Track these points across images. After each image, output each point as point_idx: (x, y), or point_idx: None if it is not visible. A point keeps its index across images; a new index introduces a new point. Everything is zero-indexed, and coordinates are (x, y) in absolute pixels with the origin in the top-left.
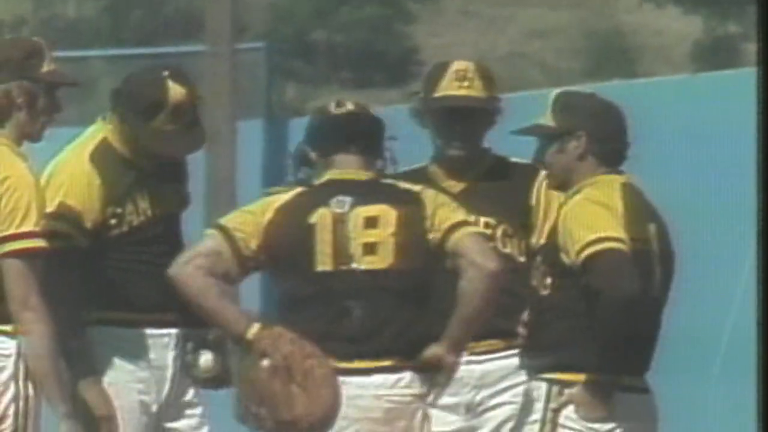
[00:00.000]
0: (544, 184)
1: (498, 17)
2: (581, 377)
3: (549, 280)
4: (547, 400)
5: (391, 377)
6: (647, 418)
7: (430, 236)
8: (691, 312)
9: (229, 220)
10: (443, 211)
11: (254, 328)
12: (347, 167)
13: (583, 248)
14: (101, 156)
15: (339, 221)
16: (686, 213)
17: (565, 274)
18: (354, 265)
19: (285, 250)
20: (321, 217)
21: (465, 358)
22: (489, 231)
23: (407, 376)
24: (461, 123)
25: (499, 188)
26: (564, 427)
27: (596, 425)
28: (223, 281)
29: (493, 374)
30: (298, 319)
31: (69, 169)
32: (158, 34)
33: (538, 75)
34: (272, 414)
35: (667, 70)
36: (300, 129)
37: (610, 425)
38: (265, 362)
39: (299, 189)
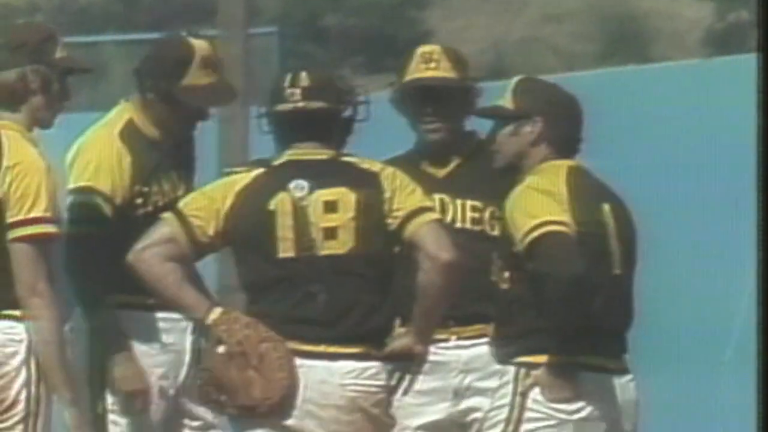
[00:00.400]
0: None
1: (512, 2)
2: (544, 359)
3: (506, 274)
4: (515, 383)
5: (359, 365)
6: (622, 399)
7: (388, 221)
8: (700, 305)
9: (187, 204)
10: (400, 195)
11: (214, 314)
12: (305, 147)
13: (525, 235)
14: (129, 135)
15: (299, 206)
16: (694, 199)
17: (519, 265)
18: (315, 251)
19: (246, 237)
20: (281, 203)
21: (453, 342)
22: (477, 214)
23: (375, 366)
24: (433, 105)
25: (485, 170)
26: (531, 410)
27: (562, 406)
28: (180, 264)
29: (481, 359)
30: (261, 303)
31: (99, 146)
32: (170, 19)
33: (552, 59)
34: (232, 399)
35: (680, 55)
36: None
37: (576, 405)
38: (221, 349)
39: (258, 171)
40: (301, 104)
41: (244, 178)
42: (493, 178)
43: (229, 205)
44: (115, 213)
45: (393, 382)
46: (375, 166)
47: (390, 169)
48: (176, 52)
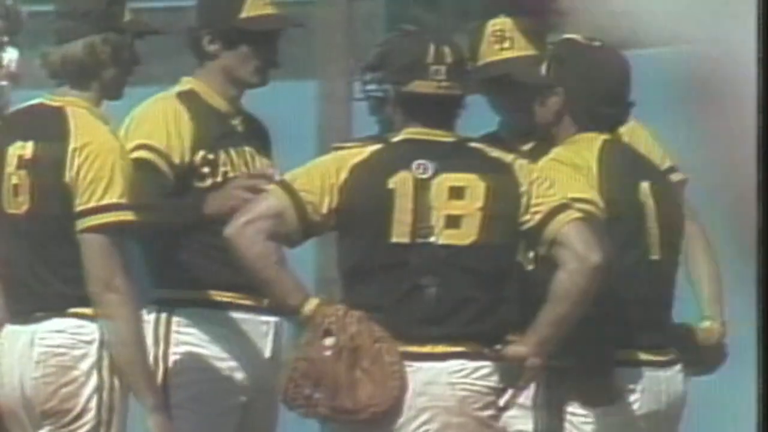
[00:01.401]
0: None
1: None
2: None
3: (531, 254)
4: (547, 390)
5: (470, 364)
6: (668, 393)
7: (525, 218)
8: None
9: (296, 177)
10: (539, 189)
11: (311, 303)
12: (427, 125)
13: (547, 214)
14: (190, 99)
15: (421, 188)
16: (694, 199)
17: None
18: (433, 239)
19: (359, 216)
20: (402, 182)
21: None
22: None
23: (487, 366)
24: (512, 91)
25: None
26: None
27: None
28: (284, 245)
29: None
30: (365, 292)
31: (154, 106)
32: None
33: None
34: (330, 399)
35: None
36: None
37: (617, 406)
38: (329, 341)
39: (376, 146)
40: (445, 84)
41: (359, 152)
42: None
43: (343, 179)
44: (176, 176)
45: (504, 386)
46: (507, 157)
47: (523, 161)
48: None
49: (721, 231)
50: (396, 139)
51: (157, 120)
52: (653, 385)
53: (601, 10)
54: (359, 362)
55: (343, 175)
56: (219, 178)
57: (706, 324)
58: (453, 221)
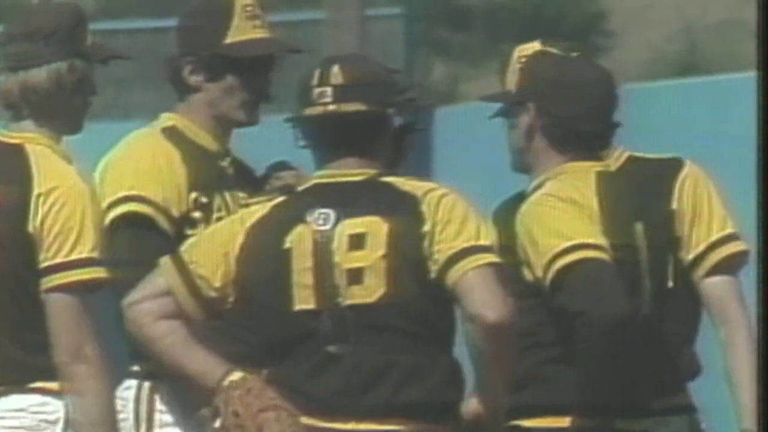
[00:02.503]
0: (688, 181)
1: None
2: (565, 422)
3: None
4: None
5: None
6: None
7: (429, 265)
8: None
9: (189, 248)
10: (446, 229)
11: (229, 379)
12: (339, 165)
13: (551, 261)
14: (174, 136)
15: (321, 242)
16: None
17: (528, 293)
18: (339, 300)
19: (257, 286)
20: (299, 238)
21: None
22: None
23: None
24: None
25: (629, 191)
26: None
27: None
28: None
29: None
30: (278, 367)
31: (139, 147)
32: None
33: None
34: None
35: None
36: (451, 118)
37: None
38: (217, 422)
39: (278, 200)
40: (331, 107)
41: (259, 209)
42: (642, 191)
43: (239, 245)
44: (176, 233)
45: None
46: (419, 188)
47: (438, 192)
48: (215, 3)
49: None
50: (303, 186)
51: (146, 164)
52: None
53: None
54: None
55: (240, 240)
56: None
57: None
58: (355, 276)
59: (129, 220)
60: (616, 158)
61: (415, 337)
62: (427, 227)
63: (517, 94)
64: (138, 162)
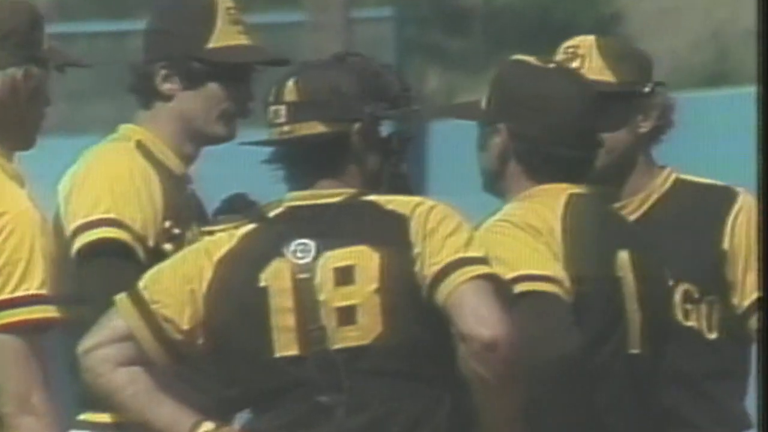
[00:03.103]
0: (742, 216)
1: None
2: None
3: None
4: None
5: None
6: None
7: (419, 286)
8: None
9: (151, 283)
10: (435, 241)
11: (204, 427)
12: (313, 186)
13: None
14: (147, 154)
15: (302, 278)
16: None
17: None
18: (327, 344)
19: (229, 330)
20: (276, 275)
21: None
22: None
23: None
24: None
25: (675, 224)
26: None
27: None
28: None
29: None
30: (260, 421)
31: (117, 164)
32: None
33: None
34: None
35: None
36: (447, 132)
37: None
38: None
39: (247, 228)
40: (286, 128)
41: (226, 240)
42: (688, 237)
43: (207, 281)
44: (148, 264)
45: None
46: (406, 206)
47: (426, 206)
48: (190, 4)
49: None
50: (275, 212)
51: (124, 184)
52: None
53: None
54: None
55: (207, 276)
56: None
57: None
58: (346, 315)
59: (103, 247)
60: (662, 180)
61: (417, 379)
62: (417, 248)
63: (486, 112)
64: (115, 180)
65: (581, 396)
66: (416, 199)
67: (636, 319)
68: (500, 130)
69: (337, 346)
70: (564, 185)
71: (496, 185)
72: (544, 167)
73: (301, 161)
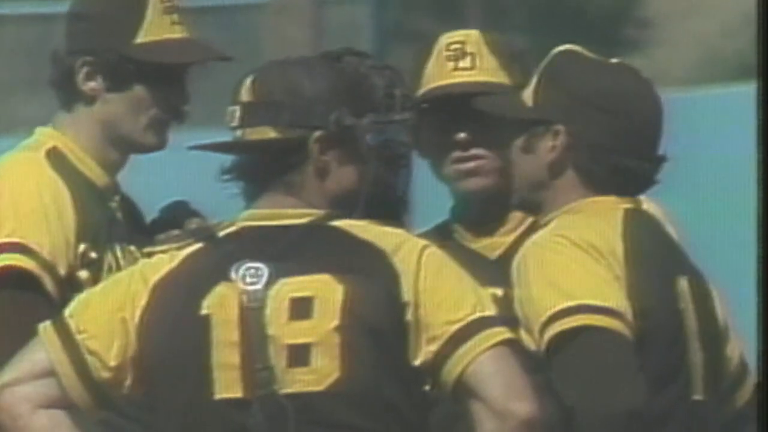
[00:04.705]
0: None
1: None
2: None
3: None
4: None
5: None
6: None
7: (413, 347)
8: None
9: (79, 310)
10: (436, 298)
11: None
12: (271, 204)
13: (545, 325)
14: (60, 166)
15: (250, 307)
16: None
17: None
18: (276, 387)
19: (163, 366)
20: (221, 302)
21: None
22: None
23: None
24: (468, 128)
25: None
26: None
27: None
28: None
29: None
30: None
31: (23, 178)
32: None
33: None
34: None
35: None
36: None
37: None
38: None
39: (192, 248)
40: (238, 132)
41: (168, 260)
42: None
43: (141, 309)
44: (58, 294)
45: None
46: (387, 239)
47: (413, 244)
48: None
49: (721, 229)
50: (225, 231)
51: (31, 202)
52: None
53: None
54: None
55: (142, 302)
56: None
57: None
58: (298, 355)
59: (5, 277)
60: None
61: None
62: (408, 296)
63: (535, 109)
64: (20, 198)
65: None
66: (399, 232)
67: (698, 360)
68: (558, 132)
69: (286, 391)
70: (613, 198)
71: (534, 196)
72: (608, 179)
73: (252, 171)
